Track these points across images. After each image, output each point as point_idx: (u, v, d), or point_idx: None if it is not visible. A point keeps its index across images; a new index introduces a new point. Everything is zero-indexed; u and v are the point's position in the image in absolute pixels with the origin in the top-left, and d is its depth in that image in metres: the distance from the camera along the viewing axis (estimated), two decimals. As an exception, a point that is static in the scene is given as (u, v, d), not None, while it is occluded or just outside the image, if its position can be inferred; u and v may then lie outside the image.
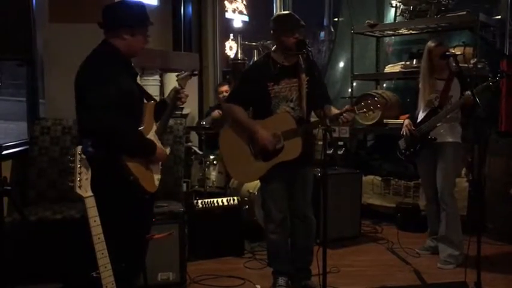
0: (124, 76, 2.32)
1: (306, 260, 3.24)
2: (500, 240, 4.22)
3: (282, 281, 3.21)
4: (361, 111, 2.87)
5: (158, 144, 2.43)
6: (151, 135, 2.43)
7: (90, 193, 1.97)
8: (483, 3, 5.21)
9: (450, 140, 3.67)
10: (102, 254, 1.94)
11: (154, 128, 2.48)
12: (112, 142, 2.20)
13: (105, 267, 1.94)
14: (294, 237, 3.26)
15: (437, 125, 3.66)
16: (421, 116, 3.79)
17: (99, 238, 1.94)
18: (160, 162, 2.49)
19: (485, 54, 4.75)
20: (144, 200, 2.36)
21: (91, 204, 1.96)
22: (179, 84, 2.63)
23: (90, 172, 1.99)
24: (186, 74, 2.68)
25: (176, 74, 2.72)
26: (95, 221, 1.96)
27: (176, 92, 2.59)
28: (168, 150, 2.55)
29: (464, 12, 4.70)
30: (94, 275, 1.94)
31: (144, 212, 2.42)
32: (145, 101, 2.50)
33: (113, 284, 1.96)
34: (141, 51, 2.44)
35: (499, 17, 5.08)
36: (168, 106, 2.61)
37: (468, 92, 3.44)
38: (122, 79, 2.28)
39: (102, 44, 2.38)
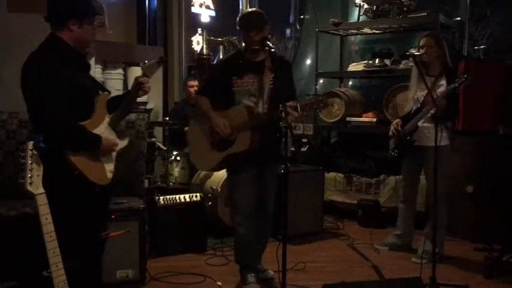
0: (72, 70, 2.28)
1: (263, 249, 3.36)
2: (457, 236, 4.35)
3: (251, 277, 3.20)
4: (303, 110, 2.86)
5: (110, 136, 2.39)
6: (103, 127, 2.38)
7: (41, 190, 1.91)
8: (444, 5, 5.34)
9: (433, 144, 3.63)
10: (54, 252, 1.89)
11: (107, 119, 2.42)
12: (54, 137, 2.17)
13: (57, 266, 1.89)
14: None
15: (419, 125, 3.62)
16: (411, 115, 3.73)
17: (50, 236, 1.89)
18: (113, 153, 2.43)
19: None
20: (95, 193, 2.31)
21: (42, 202, 1.91)
22: (144, 74, 2.52)
23: (42, 168, 1.93)
24: (152, 61, 2.58)
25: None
26: (46, 218, 1.90)
27: (139, 81, 2.50)
28: (125, 142, 2.50)
29: (425, 14, 4.81)
30: (45, 274, 1.89)
31: (96, 207, 2.37)
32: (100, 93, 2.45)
33: (64, 283, 1.91)
34: (91, 42, 2.41)
35: (459, 18, 5.22)
36: (127, 96, 2.55)
37: (438, 93, 3.45)
38: (68, 73, 2.24)
39: (48, 38, 2.33)
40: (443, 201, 3.69)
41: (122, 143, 2.49)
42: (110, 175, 2.39)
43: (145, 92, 2.52)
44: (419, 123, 3.64)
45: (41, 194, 1.91)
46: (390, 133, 3.82)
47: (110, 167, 2.40)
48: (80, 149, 2.25)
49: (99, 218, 2.45)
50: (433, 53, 3.63)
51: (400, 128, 3.74)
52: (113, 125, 2.45)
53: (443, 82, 3.63)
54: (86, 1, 2.38)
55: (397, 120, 3.83)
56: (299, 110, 2.85)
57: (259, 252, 3.37)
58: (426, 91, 3.49)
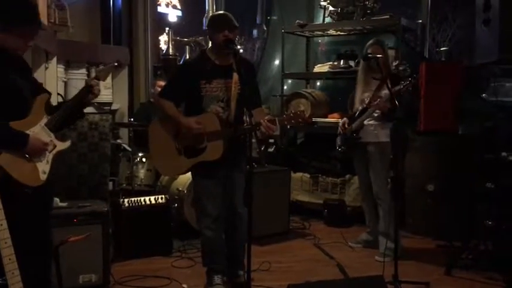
0: (2, 70, 2.23)
1: (238, 253, 3.25)
2: (418, 234, 4.45)
3: (218, 279, 3.18)
4: (283, 123, 2.88)
5: (44, 136, 2.33)
6: (38, 128, 2.33)
7: (-5, 195, 1.86)
8: (406, 8, 5.47)
9: (378, 139, 3.80)
10: (10, 259, 1.84)
11: (44, 120, 2.37)
12: None
13: (13, 273, 1.84)
14: (227, 233, 3.27)
15: (365, 123, 3.80)
16: (356, 114, 3.90)
17: (5, 243, 1.84)
18: (49, 154, 2.35)
19: (407, 57, 4.98)
20: (26, 195, 2.22)
21: (-3, 207, 1.85)
22: (97, 77, 2.49)
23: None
24: (108, 66, 2.55)
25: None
26: (1, 224, 1.85)
27: (88, 85, 2.44)
28: (65, 144, 2.46)
29: (388, 16, 4.92)
30: (0, 281, 1.83)
31: (29, 208, 2.27)
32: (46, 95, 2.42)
33: (21, 290, 1.86)
34: (20, 51, 2.33)
35: (420, 21, 5.36)
36: (73, 98, 2.51)
37: (382, 95, 3.59)
38: None
39: None
40: (386, 194, 3.84)
41: (62, 145, 2.43)
42: (43, 176, 2.31)
43: (95, 95, 2.47)
44: (365, 122, 3.83)
45: (-4, 199, 1.86)
46: (338, 131, 4.00)
47: (43, 168, 2.32)
48: (2, 147, 2.17)
49: (36, 222, 2.34)
50: (381, 59, 3.77)
51: (347, 126, 3.92)
52: (52, 127, 2.39)
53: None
54: (19, 7, 2.26)
55: (344, 119, 4.03)
56: (277, 124, 2.87)
57: (235, 257, 3.25)
58: (371, 92, 3.78)
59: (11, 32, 2.23)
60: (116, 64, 2.61)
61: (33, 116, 2.32)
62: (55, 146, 2.38)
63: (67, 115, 2.44)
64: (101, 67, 2.57)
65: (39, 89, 2.44)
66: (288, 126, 2.98)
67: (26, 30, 2.27)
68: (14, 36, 2.24)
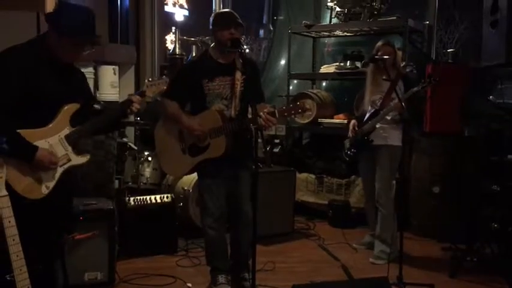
0: (36, 72, 2.17)
1: (243, 254, 3.23)
2: (423, 236, 4.45)
3: (222, 278, 3.20)
4: (282, 115, 2.88)
5: (59, 150, 2.23)
6: (55, 139, 2.24)
7: (4, 192, 1.88)
8: (413, 9, 5.45)
9: (388, 143, 3.75)
10: (17, 256, 1.86)
11: (65, 132, 2.27)
12: None
13: (21, 269, 1.86)
14: (232, 232, 3.27)
15: (377, 126, 3.74)
16: (366, 117, 3.86)
17: (13, 240, 1.86)
18: (59, 168, 2.24)
19: (413, 58, 4.96)
20: (25, 205, 2.12)
21: (5, 204, 1.87)
22: (143, 92, 2.39)
23: (5, 170, 1.90)
24: (160, 80, 2.44)
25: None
26: (9, 221, 1.87)
27: (129, 99, 2.35)
28: (82, 159, 2.34)
29: (395, 17, 4.91)
30: (8, 278, 1.85)
31: (31, 218, 2.16)
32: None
33: (28, 287, 1.88)
34: (69, 60, 2.29)
35: (427, 22, 5.34)
36: (109, 112, 2.38)
37: (396, 100, 3.55)
38: (27, 75, 2.14)
39: (39, 35, 2.30)
40: (388, 200, 3.82)
41: (78, 160, 2.32)
42: (45, 190, 2.20)
43: (132, 112, 2.37)
44: (377, 125, 3.77)
45: (4, 196, 1.88)
46: (349, 133, 3.93)
47: (48, 183, 2.21)
48: (9, 156, 2.06)
49: (37, 228, 2.22)
50: (392, 60, 3.76)
51: (357, 129, 3.86)
52: (73, 139, 2.28)
53: (401, 87, 3.76)
54: (74, 21, 2.22)
55: (353, 121, 3.97)
56: (277, 116, 2.86)
57: (241, 258, 3.23)
58: (382, 94, 3.71)
59: (60, 42, 2.20)
60: (168, 80, 2.55)
61: (54, 125, 2.23)
62: (69, 160, 2.27)
63: (95, 130, 2.35)
64: (152, 81, 2.46)
65: (73, 96, 2.32)
66: (288, 118, 2.96)
67: (75, 41, 2.23)
68: (64, 46, 2.21)
